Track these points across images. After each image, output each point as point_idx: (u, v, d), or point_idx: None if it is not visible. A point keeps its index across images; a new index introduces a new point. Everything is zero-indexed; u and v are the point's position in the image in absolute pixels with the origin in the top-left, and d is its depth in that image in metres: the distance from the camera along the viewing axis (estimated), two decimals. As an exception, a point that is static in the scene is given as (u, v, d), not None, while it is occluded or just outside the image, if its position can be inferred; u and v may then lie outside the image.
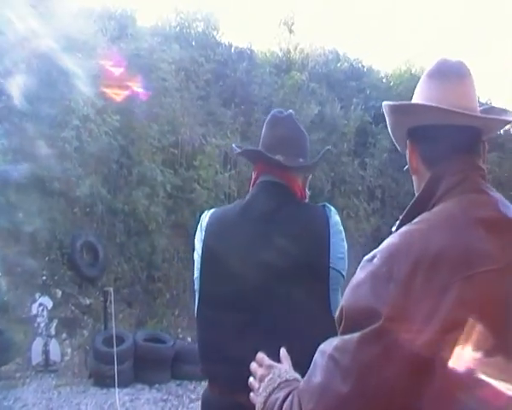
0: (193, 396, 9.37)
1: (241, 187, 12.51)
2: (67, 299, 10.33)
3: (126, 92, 11.45)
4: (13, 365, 9.45)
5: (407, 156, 1.96)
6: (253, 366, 2.03)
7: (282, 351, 2.06)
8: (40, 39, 10.39)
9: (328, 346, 1.65)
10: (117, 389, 8.85)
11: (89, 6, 12.60)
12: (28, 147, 10.27)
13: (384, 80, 15.77)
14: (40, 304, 9.62)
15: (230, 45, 14.37)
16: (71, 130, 10.76)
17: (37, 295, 9.67)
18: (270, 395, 1.85)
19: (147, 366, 9.68)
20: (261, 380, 1.94)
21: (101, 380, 9.36)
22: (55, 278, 10.34)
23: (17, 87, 10.10)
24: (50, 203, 10.43)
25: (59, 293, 10.23)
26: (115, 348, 9.16)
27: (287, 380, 1.88)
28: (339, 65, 15.10)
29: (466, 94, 1.87)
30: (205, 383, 2.94)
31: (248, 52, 14.40)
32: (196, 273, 2.87)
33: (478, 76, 1.96)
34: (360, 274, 1.67)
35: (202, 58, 13.36)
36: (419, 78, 2.01)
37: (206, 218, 2.92)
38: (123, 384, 9.19)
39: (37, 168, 10.25)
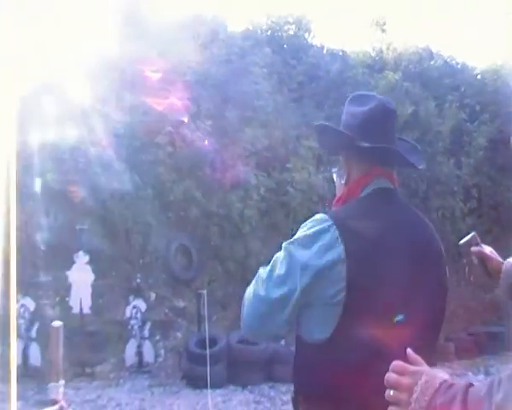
0: (285, 398, 9.28)
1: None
2: (161, 302, 10.43)
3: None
4: (107, 365, 9.61)
5: None
6: (392, 376, 1.76)
7: (409, 351, 1.83)
8: (132, 48, 10.54)
9: None
10: (209, 390, 8.85)
11: (180, 13, 12.69)
12: (123, 154, 10.44)
13: (479, 77, 15.30)
14: (134, 307, 9.73)
15: (322, 47, 14.22)
16: (164, 136, 10.87)
17: (131, 298, 9.78)
18: (432, 398, 1.65)
19: (240, 368, 9.66)
20: (409, 390, 1.71)
21: (194, 381, 9.39)
22: (149, 281, 10.44)
23: (110, 96, 10.28)
24: (144, 208, 10.54)
25: (153, 296, 10.33)
26: (208, 350, 9.16)
27: (446, 380, 1.68)
28: (432, 63, 14.70)
29: None
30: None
31: (340, 53, 14.22)
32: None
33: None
34: None
35: (294, 61, 13.28)
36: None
37: (336, 230, 2.43)
38: (216, 386, 9.18)
39: (131, 174, 10.39)
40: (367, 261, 2.42)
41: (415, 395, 1.68)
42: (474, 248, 2.94)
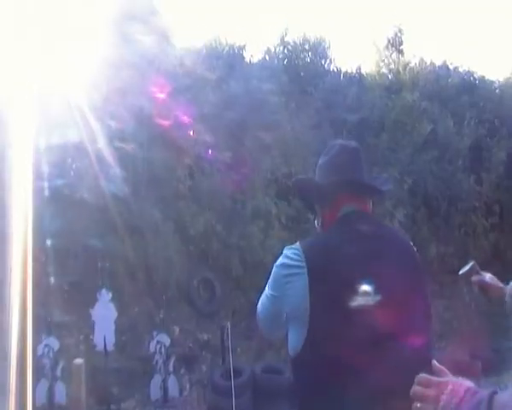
0: (310, 426, 9.24)
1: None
2: (185, 335, 10.48)
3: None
4: (132, 401, 9.67)
5: None
6: (418, 389, 1.82)
7: (434, 363, 1.93)
8: (148, 85, 10.67)
9: None
10: (235, 422, 8.89)
11: (195, 47, 12.82)
12: (143, 189, 10.56)
13: (497, 91, 15.23)
14: (158, 342, 9.78)
15: (339, 72, 14.24)
16: (183, 169, 10.97)
17: (154, 333, 9.85)
18: (458, 406, 1.70)
19: (265, 398, 9.61)
20: (435, 400, 1.75)
21: (220, 413, 9.41)
22: (172, 315, 10.52)
23: (128, 130, 10.39)
24: (165, 243, 10.63)
25: (177, 330, 10.40)
26: (233, 381, 9.19)
27: (470, 389, 1.74)
28: (449, 80, 14.67)
29: None
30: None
31: (357, 77, 14.25)
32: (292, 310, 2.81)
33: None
34: None
35: (311, 88, 13.32)
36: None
37: (302, 254, 2.82)
38: (241, 417, 9.21)
39: (151, 209, 10.50)
40: (327, 273, 2.74)
41: (441, 404, 1.72)
42: (474, 279, 3.03)
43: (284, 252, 2.90)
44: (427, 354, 2.60)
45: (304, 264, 2.74)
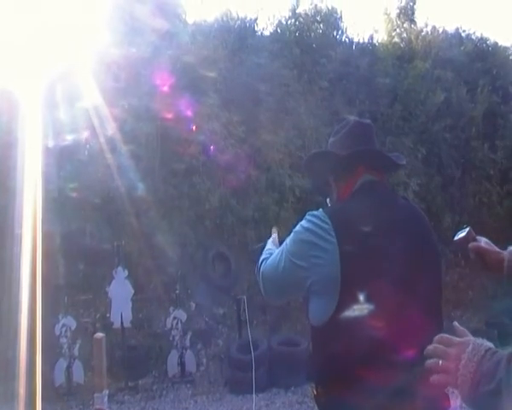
0: (328, 398, 9.13)
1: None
2: (201, 310, 10.38)
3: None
4: (150, 378, 9.62)
5: None
6: (440, 347, 1.87)
7: (456, 324, 1.96)
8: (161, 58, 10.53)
9: None
10: (254, 395, 8.80)
11: (207, 22, 12.63)
12: (157, 165, 10.44)
13: (511, 57, 14.90)
14: (174, 317, 9.65)
15: (351, 42, 13.96)
16: (197, 145, 10.80)
17: (171, 309, 9.73)
18: (479, 364, 1.74)
19: (282, 370, 9.50)
20: (457, 358, 1.80)
21: (237, 387, 9.29)
22: (189, 291, 10.40)
23: (141, 107, 10.27)
24: (180, 218, 10.50)
25: (193, 305, 10.30)
26: (253, 354, 9.11)
27: (491, 348, 1.77)
28: (462, 48, 14.34)
29: None
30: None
31: (370, 47, 13.97)
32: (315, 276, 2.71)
33: None
34: None
35: (324, 59, 13.05)
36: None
37: (329, 220, 2.71)
38: (259, 389, 9.06)
39: (164, 186, 10.38)
40: (357, 241, 2.65)
41: (463, 362, 1.76)
42: (471, 245, 2.93)
43: (308, 217, 2.80)
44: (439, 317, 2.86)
45: (333, 232, 2.64)
